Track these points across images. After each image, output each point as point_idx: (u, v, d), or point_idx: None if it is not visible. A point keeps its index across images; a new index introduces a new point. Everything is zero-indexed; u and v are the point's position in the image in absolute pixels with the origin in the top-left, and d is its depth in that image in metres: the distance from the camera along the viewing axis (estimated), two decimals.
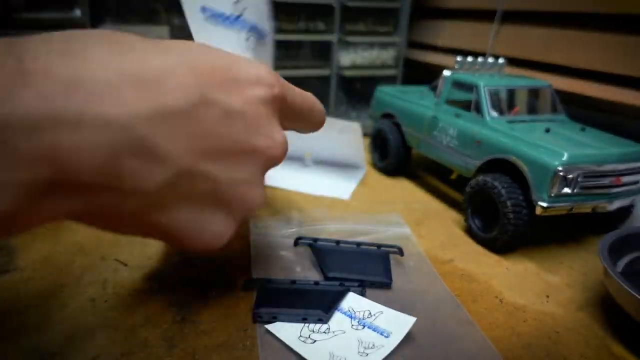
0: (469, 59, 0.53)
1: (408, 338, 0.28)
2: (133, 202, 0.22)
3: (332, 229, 0.42)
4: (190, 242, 0.25)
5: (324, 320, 0.30)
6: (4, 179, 0.17)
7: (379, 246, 0.38)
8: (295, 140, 0.37)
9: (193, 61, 0.23)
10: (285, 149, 0.28)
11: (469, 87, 0.48)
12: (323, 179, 0.56)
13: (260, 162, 0.26)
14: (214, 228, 0.26)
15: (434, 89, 0.54)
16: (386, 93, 0.61)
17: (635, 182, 0.41)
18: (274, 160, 0.27)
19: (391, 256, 0.38)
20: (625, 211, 0.45)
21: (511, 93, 0.48)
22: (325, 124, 0.35)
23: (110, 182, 0.20)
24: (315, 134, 0.36)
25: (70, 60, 0.19)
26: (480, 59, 0.53)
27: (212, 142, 0.23)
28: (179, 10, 0.36)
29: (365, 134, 0.60)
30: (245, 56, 0.29)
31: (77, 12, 0.59)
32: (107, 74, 0.20)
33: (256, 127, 0.25)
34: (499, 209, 0.40)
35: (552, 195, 0.37)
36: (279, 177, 0.54)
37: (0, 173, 0.17)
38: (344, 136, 0.56)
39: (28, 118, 0.17)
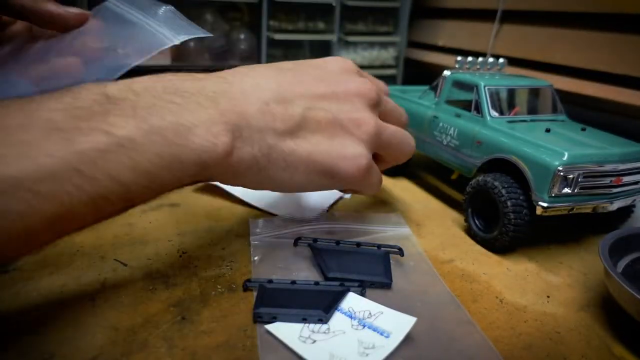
0: (469, 59, 0.53)
1: (408, 338, 0.28)
2: (287, 141, 0.31)
3: (332, 229, 0.42)
4: (339, 168, 0.33)
5: (324, 320, 0.30)
6: (216, 118, 0.28)
7: (379, 246, 0.38)
8: None
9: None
10: (373, 87, 0.36)
11: (469, 87, 0.48)
12: None
13: (357, 98, 0.35)
14: (349, 151, 0.33)
15: (434, 89, 0.54)
16: None
17: (636, 182, 0.41)
18: (368, 95, 0.35)
19: (391, 256, 0.38)
20: (626, 211, 0.45)
21: (511, 93, 0.48)
22: None
23: (269, 122, 0.31)
24: None
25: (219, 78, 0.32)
26: (480, 59, 0.53)
27: (315, 88, 0.33)
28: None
29: None
30: None
31: None
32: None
33: (341, 77, 0.35)
34: (500, 209, 0.40)
35: (553, 195, 0.37)
36: None
37: (215, 115, 0.28)
38: None
39: (213, 91, 0.29)
